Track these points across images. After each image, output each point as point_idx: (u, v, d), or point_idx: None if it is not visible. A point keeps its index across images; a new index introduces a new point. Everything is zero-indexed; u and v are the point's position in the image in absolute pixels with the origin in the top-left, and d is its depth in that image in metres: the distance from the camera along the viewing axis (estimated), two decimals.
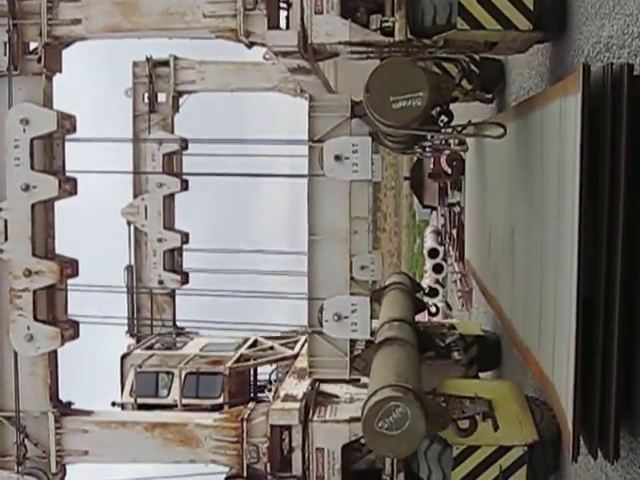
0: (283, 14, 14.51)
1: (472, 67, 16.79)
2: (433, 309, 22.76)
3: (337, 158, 14.10)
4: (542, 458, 12.85)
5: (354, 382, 17.45)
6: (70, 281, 17.47)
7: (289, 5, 14.38)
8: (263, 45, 14.96)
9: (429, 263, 39.97)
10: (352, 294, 14.82)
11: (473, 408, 12.59)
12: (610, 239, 9.50)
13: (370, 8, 14.40)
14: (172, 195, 27.77)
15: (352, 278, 14.91)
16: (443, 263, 38.41)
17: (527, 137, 13.43)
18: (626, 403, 9.71)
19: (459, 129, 14.71)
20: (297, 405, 16.07)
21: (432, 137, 16.81)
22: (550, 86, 13.98)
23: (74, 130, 16.92)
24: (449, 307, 34.76)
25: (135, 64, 29.39)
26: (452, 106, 15.53)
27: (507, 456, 12.53)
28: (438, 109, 14.47)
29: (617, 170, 9.35)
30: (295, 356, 21.46)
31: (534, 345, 12.85)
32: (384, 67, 12.13)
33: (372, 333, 14.87)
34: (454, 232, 33.74)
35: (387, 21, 14.05)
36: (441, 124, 14.93)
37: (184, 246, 28.47)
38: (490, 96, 20.88)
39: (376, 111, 12.05)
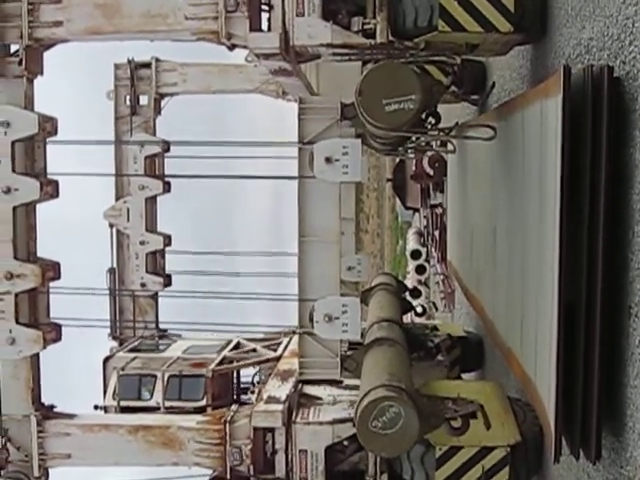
0: (265, 16, 14.50)
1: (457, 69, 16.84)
2: (420, 309, 22.86)
3: (327, 160, 14.13)
4: (524, 459, 12.91)
5: (337, 384, 17.46)
6: (52, 284, 17.41)
7: (270, 7, 14.38)
8: (245, 47, 14.94)
9: (412, 264, 39.97)
10: (341, 295, 14.90)
11: (465, 407, 12.67)
12: (591, 240, 9.54)
13: (351, 10, 14.42)
14: (154, 197, 27.72)
15: (340, 279, 14.99)
16: (426, 264, 38.42)
17: (509, 139, 13.48)
18: (607, 404, 9.76)
19: (447, 131, 14.77)
20: (280, 407, 16.04)
21: (418, 139, 16.89)
22: (531, 88, 14.03)
23: (55, 132, 16.85)
24: (435, 307, 34.82)
25: (117, 66, 29.28)
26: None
27: (490, 457, 12.59)
28: (426, 111, 14.54)
29: (598, 172, 9.40)
30: (278, 358, 21.41)
31: (516, 346, 12.90)
32: (377, 70, 12.19)
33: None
34: (436, 233, 33.81)
35: (368, 23, 14.08)
36: (429, 126, 15.00)
37: (166, 248, 28.44)
38: (477, 97, 20.97)
39: (368, 113, 12.11)
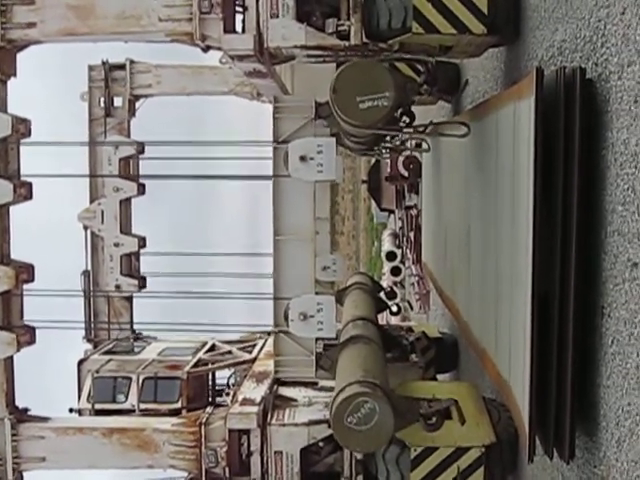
0: (239, 18, 14.50)
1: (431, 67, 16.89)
2: (395, 308, 22.89)
3: (302, 159, 14.18)
4: (499, 459, 12.96)
5: (312, 385, 17.48)
6: (26, 286, 17.33)
7: (245, 9, 14.37)
8: (219, 49, 14.93)
9: (387, 266, 40.02)
10: (316, 294, 14.93)
11: (439, 403, 12.71)
12: (564, 241, 9.59)
13: (326, 12, 14.44)
14: (129, 199, 27.69)
15: (315, 279, 15.02)
16: (401, 266, 38.47)
17: (482, 140, 13.52)
18: (581, 404, 9.81)
19: (422, 129, 14.80)
20: (255, 409, 16.04)
21: (393, 138, 16.89)
22: (505, 89, 14.09)
23: (29, 134, 16.79)
24: (411, 307, 34.88)
25: (91, 68, 29.17)
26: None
27: (465, 457, 12.63)
28: (400, 110, 14.56)
29: (571, 172, 9.45)
30: (253, 360, 21.41)
31: (490, 347, 12.95)
32: (351, 68, 12.20)
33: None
34: (411, 235, 33.86)
35: (343, 25, 14.10)
36: (403, 124, 15.03)
37: (141, 250, 28.39)
38: (451, 97, 21.05)
39: (342, 111, 12.12)
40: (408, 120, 15.18)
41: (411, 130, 14.79)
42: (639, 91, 8.18)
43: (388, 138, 17.14)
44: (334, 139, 14.41)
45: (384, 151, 24.55)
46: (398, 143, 19.98)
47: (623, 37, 8.60)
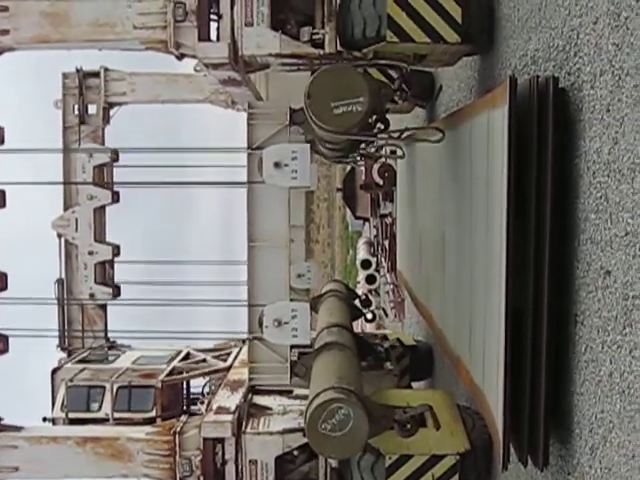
0: (213, 26, 14.49)
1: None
2: (370, 315, 22.93)
3: (276, 165, 14.17)
4: (474, 466, 12.97)
5: (287, 394, 17.46)
6: None
7: (219, 17, 14.36)
8: (194, 57, 14.92)
9: (362, 274, 40.10)
10: (291, 301, 14.94)
11: (414, 409, 12.71)
12: (538, 249, 9.63)
13: (300, 20, 14.47)
14: (103, 207, 27.62)
15: (290, 286, 15.04)
16: (376, 274, 38.55)
17: (457, 148, 13.57)
18: (555, 411, 9.85)
19: (396, 135, 14.80)
20: (230, 417, 16.01)
21: (368, 144, 16.89)
22: (479, 98, 14.14)
23: (2, 141, 16.74)
24: (386, 314, 34.96)
25: (65, 75, 29.08)
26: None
27: (439, 465, 12.62)
28: (375, 116, 14.60)
29: (544, 181, 9.49)
30: (228, 368, 21.38)
31: (465, 355, 12.97)
32: (325, 73, 12.18)
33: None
34: (386, 243, 33.93)
35: (317, 33, 14.13)
36: (378, 131, 15.04)
37: (115, 258, 28.31)
38: (425, 104, 21.13)
39: (317, 117, 12.10)
40: (383, 126, 15.21)
41: (386, 136, 14.81)
42: (611, 100, 8.23)
43: (363, 145, 17.14)
44: (309, 145, 14.42)
45: (359, 158, 24.59)
46: (373, 150, 20.02)
47: (595, 46, 8.65)
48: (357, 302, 21.08)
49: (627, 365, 7.90)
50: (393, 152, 15.92)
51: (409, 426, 12.32)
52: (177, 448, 16.16)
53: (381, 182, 31.90)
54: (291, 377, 15.18)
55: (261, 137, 14.68)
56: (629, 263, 7.80)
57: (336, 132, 12.31)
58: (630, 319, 7.79)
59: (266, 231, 14.97)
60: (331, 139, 13.57)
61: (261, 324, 14.87)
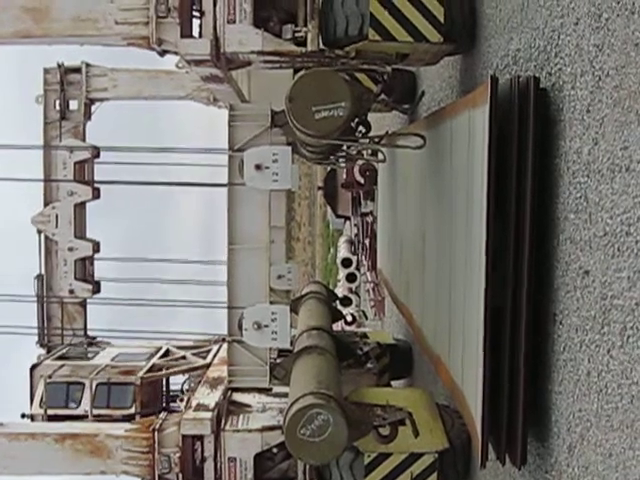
0: (196, 22, 14.45)
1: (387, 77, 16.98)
2: (349, 318, 22.95)
3: (257, 167, 14.13)
4: (453, 465, 13.03)
5: (266, 391, 17.44)
6: None
7: (202, 14, 14.33)
8: (176, 53, 14.88)
9: (342, 272, 40.18)
10: (271, 303, 14.91)
11: (394, 414, 12.72)
12: (517, 248, 9.68)
13: (283, 18, 14.46)
14: (83, 204, 27.54)
15: (270, 287, 15.01)
16: (356, 272, 38.64)
17: (438, 147, 13.60)
18: (533, 410, 9.89)
19: (377, 140, 14.82)
20: (209, 415, 15.98)
21: (349, 147, 16.89)
22: (460, 98, 14.18)
23: None
24: (365, 316, 35.01)
25: (46, 71, 28.92)
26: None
27: (418, 463, 12.68)
28: (357, 120, 14.62)
29: (524, 180, 9.54)
30: (207, 365, 21.35)
31: (444, 353, 13.01)
32: (307, 77, 12.18)
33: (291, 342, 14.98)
34: (367, 241, 34.00)
35: (300, 31, 14.13)
36: (359, 134, 15.05)
37: (95, 255, 28.23)
38: (408, 106, 21.11)
39: (298, 121, 12.09)
40: (364, 130, 15.23)
41: (367, 140, 14.83)
42: (592, 101, 8.28)
43: (344, 147, 17.15)
44: (290, 148, 14.40)
45: (340, 160, 24.64)
46: (354, 152, 20.04)
47: (576, 47, 8.70)
48: (337, 303, 21.12)
49: (605, 364, 7.95)
50: (375, 154, 15.94)
51: (387, 433, 12.33)
52: (156, 445, 16.11)
53: (362, 181, 31.98)
54: (270, 380, 15.18)
55: (242, 139, 14.64)
56: (607, 263, 7.85)
57: (317, 136, 12.32)
58: (608, 319, 7.84)
59: (247, 233, 14.91)
60: (312, 142, 13.57)
61: (241, 327, 14.84)
